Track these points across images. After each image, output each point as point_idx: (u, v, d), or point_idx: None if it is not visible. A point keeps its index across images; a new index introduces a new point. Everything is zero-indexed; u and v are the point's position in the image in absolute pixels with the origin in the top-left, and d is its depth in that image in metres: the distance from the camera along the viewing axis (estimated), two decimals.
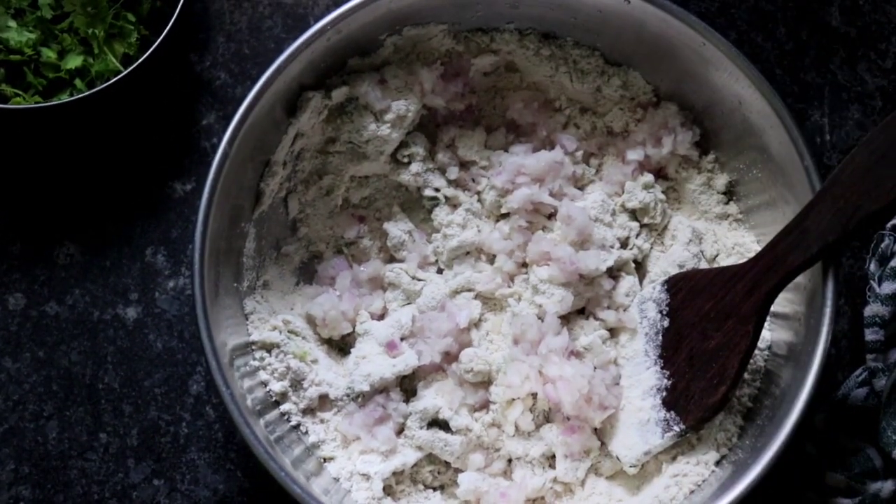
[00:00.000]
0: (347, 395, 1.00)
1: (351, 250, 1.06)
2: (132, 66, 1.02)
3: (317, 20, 0.97)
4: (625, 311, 1.02)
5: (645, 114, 1.06)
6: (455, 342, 1.01)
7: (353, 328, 1.03)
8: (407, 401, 1.01)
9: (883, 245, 1.01)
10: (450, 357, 1.01)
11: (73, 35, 1.05)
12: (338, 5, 0.97)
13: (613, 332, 1.02)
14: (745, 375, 0.97)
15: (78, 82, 1.05)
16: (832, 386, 1.02)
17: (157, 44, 1.02)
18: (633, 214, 1.05)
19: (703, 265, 1.02)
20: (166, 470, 1.04)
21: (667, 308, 0.99)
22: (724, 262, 1.02)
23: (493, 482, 0.99)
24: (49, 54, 1.05)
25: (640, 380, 0.99)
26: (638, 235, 1.04)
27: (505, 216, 1.04)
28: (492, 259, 1.04)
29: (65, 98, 1.04)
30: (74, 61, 1.05)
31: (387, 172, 1.05)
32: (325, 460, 0.99)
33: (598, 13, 1.00)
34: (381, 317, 1.04)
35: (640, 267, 1.05)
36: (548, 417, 1.00)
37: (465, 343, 1.01)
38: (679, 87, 1.04)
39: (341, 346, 1.04)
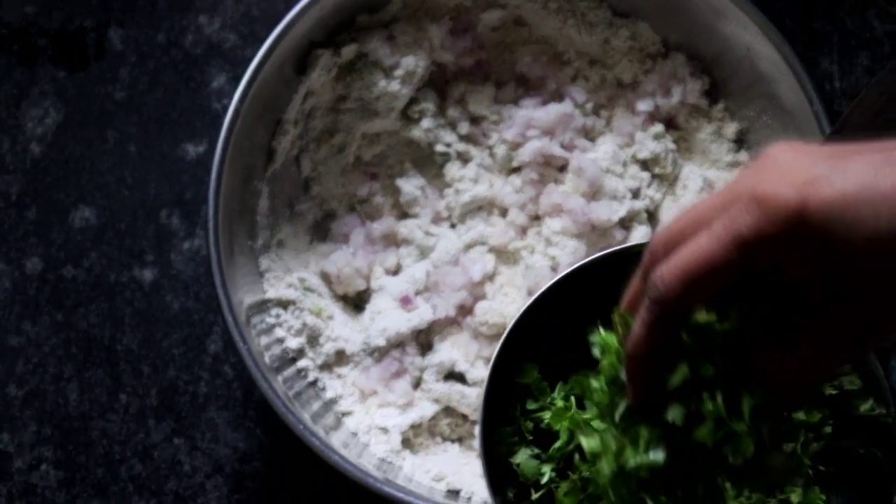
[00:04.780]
0: (364, 350, 1.00)
1: (364, 207, 1.06)
2: None
3: None
4: None
5: (654, 64, 1.06)
6: (469, 296, 1.01)
7: (368, 284, 1.04)
8: (423, 355, 1.02)
9: None
10: (464, 310, 1.01)
11: None
12: None
13: None
14: None
15: None
16: None
17: None
18: (644, 165, 1.05)
19: None
20: (186, 429, 1.05)
21: None
22: None
23: None
24: None
25: None
26: (649, 185, 1.05)
27: (516, 170, 1.04)
28: (504, 213, 1.04)
29: None
30: None
31: (398, 129, 1.05)
32: (343, 415, 1.00)
33: None
34: (396, 272, 1.04)
35: (651, 217, 1.05)
36: None
37: (479, 296, 1.02)
38: (688, 37, 1.04)
39: (356, 303, 1.05)
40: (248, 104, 0.95)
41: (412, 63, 1.02)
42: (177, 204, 1.08)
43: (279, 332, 0.99)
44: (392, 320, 1.00)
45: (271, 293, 0.99)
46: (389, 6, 1.02)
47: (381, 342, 0.99)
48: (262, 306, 0.99)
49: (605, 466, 0.69)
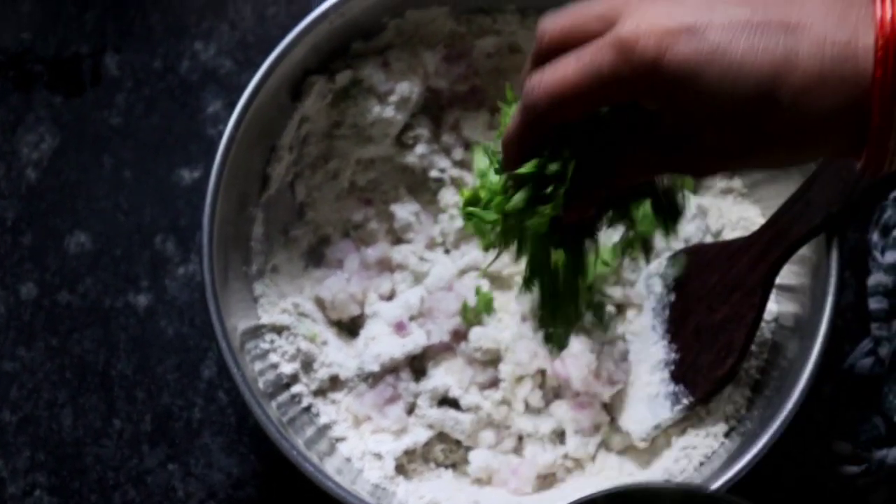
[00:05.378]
0: (358, 376, 1.00)
1: (358, 233, 1.06)
2: None
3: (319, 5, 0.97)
4: (631, 286, 1.02)
5: None
6: (463, 322, 1.01)
7: (362, 310, 1.04)
8: (417, 380, 1.02)
9: (886, 216, 1.02)
10: (458, 336, 1.01)
11: None
12: None
13: (620, 307, 1.03)
14: (753, 347, 0.97)
15: None
16: (840, 357, 1.03)
17: None
18: None
19: (709, 239, 1.03)
20: (180, 454, 1.05)
21: (673, 283, 0.99)
22: (730, 235, 1.02)
23: (504, 459, 1.00)
24: None
25: (648, 354, 1.00)
26: None
27: None
28: None
29: None
30: None
31: (392, 155, 1.06)
32: (336, 441, 1.00)
33: None
34: (390, 298, 1.04)
35: (645, 243, 1.05)
36: (557, 394, 1.01)
37: (473, 322, 1.02)
38: None
39: (350, 328, 1.05)
40: (244, 130, 0.95)
41: (407, 89, 1.02)
42: (172, 230, 1.09)
43: (273, 358, 0.99)
44: (386, 346, 1.00)
45: (265, 319, 0.99)
46: (384, 33, 1.03)
47: (375, 368, 1.00)
48: (257, 332, 0.99)
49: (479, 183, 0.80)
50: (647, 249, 1.04)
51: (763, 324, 0.98)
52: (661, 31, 0.63)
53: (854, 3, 0.62)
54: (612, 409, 1.01)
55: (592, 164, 0.71)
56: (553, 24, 0.70)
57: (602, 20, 0.67)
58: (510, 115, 0.77)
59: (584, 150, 0.71)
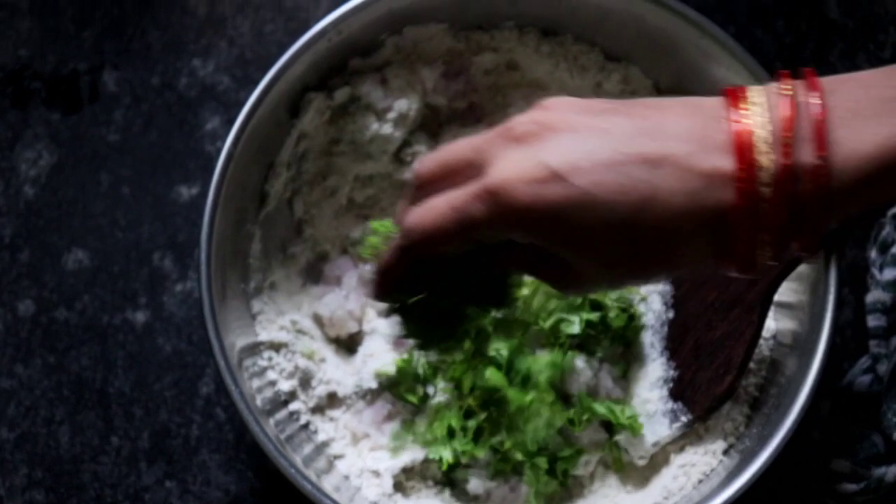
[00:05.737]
0: (356, 393, 1.00)
1: (356, 250, 1.06)
2: None
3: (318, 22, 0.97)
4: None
5: None
6: None
7: (361, 327, 1.04)
8: None
9: (884, 233, 1.02)
10: None
11: None
12: (338, 7, 0.97)
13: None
14: (751, 365, 0.97)
15: None
16: (838, 374, 1.03)
17: None
18: None
19: None
20: (178, 472, 1.05)
21: (671, 300, 0.99)
22: None
23: (502, 478, 1.00)
24: None
25: (647, 372, 1.00)
26: None
27: None
28: None
29: None
30: None
31: (390, 171, 1.06)
32: (335, 458, 0.99)
33: (598, 9, 1.01)
34: (388, 315, 1.04)
35: None
36: None
37: None
38: (679, 81, 1.04)
39: (349, 345, 1.05)
40: (242, 147, 0.95)
41: (405, 106, 1.02)
42: (170, 246, 1.08)
43: (271, 375, 0.99)
44: (384, 363, 1.00)
45: (263, 336, 0.99)
46: (382, 50, 1.03)
47: (374, 385, 0.99)
48: (255, 349, 0.99)
49: None
50: None
51: (761, 341, 0.98)
52: (528, 180, 0.65)
53: (713, 121, 0.64)
54: (610, 426, 1.01)
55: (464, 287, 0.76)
56: (424, 166, 0.72)
57: (470, 164, 0.69)
58: (375, 240, 0.80)
59: (457, 276, 0.75)
